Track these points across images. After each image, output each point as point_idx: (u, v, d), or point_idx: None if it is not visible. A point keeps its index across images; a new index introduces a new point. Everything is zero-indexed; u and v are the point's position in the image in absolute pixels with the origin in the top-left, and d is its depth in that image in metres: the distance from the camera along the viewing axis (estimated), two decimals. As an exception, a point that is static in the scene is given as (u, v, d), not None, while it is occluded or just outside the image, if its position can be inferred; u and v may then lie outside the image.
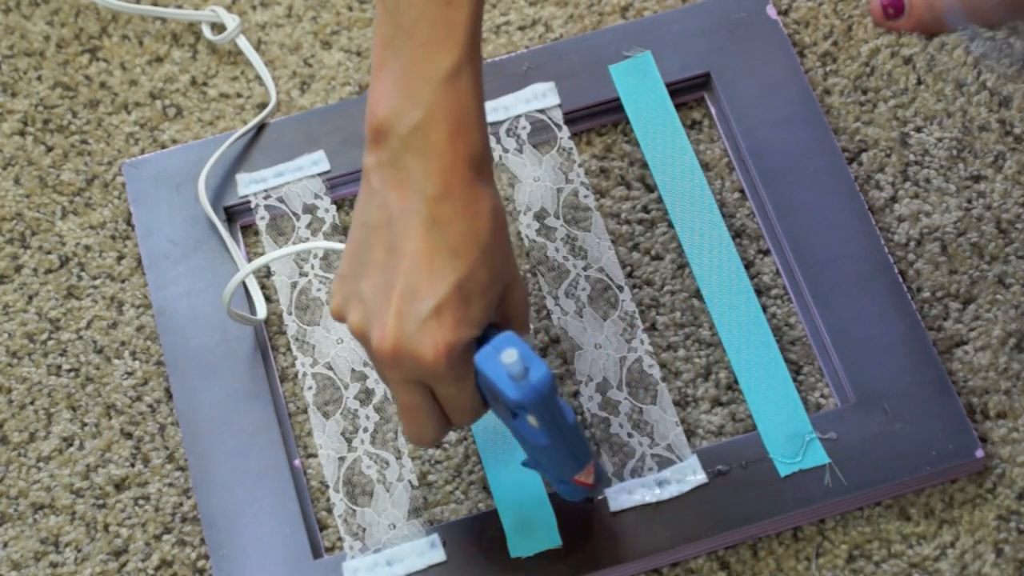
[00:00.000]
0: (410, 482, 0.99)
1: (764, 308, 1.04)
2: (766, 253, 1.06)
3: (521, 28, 1.16)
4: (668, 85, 1.11)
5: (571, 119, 1.11)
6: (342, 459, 1.00)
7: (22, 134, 1.14)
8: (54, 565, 0.99)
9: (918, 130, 1.09)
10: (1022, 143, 1.07)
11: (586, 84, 1.11)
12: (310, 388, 1.02)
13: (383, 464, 1.00)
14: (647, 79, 1.11)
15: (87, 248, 1.09)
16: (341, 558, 0.97)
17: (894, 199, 1.07)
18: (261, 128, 1.12)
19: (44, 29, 1.18)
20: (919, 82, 1.10)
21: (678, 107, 1.11)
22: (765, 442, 0.98)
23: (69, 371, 1.05)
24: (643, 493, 0.97)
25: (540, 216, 1.07)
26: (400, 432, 1.01)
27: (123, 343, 1.06)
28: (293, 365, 1.04)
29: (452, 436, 1.01)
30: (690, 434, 1.00)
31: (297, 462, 1.01)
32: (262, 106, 1.14)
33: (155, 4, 1.18)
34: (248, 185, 1.09)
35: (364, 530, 0.98)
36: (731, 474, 0.98)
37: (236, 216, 1.10)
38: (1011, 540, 0.96)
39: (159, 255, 1.07)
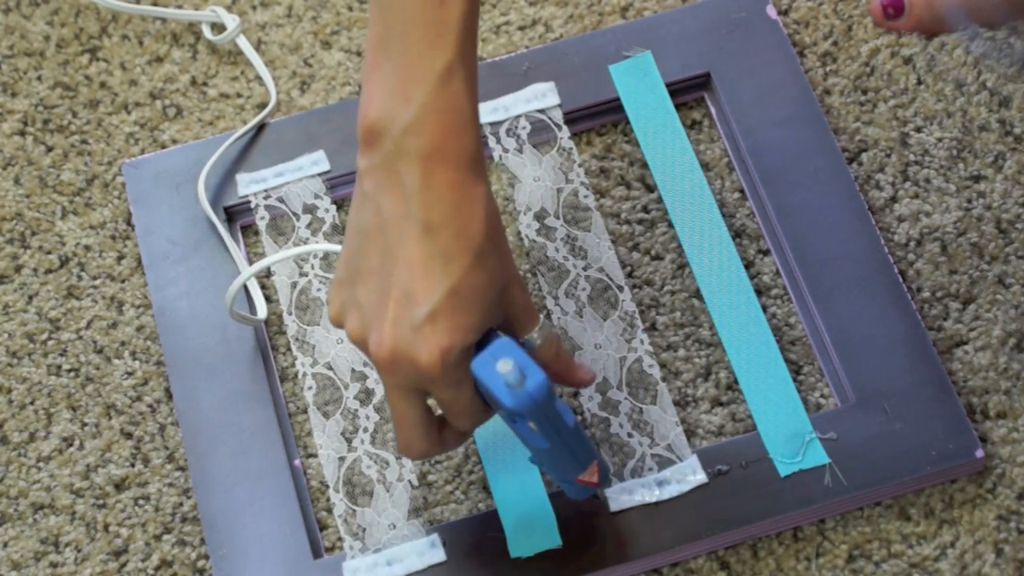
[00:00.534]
0: (410, 482, 0.99)
1: (764, 308, 1.04)
2: (766, 253, 1.06)
3: (521, 28, 1.16)
4: (668, 85, 1.11)
5: (571, 119, 1.11)
6: (342, 459, 1.00)
7: (22, 134, 1.14)
8: (54, 565, 0.99)
9: (918, 130, 1.09)
10: (1022, 143, 1.07)
11: (586, 84, 1.11)
12: (310, 388, 1.02)
13: (383, 464, 1.00)
14: (647, 79, 1.11)
15: (87, 248, 1.09)
16: (341, 558, 0.97)
17: (894, 199, 1.07)
18: (261, 128, 1.12)
19: (44, 29, 1.18)
20: (919, 82, 1.10)
21: (678, 107, 1.11)
22: (765, 442, 0.98)
23: (69, 371, 1.05)
24: (643, 493, 0.97)
25: (540, 216, 1.07)
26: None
27: (123, 343, 1.06)
28: (293, 365, 1.04)
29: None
30: (690, 434, 1.00)
31: (297, 462, 1.01)
32: (262, 106, 1.14)
33: (155, 4, 1.18)
34: (248, 185, 1.09)
35: (364, 530, 0.98)
36: (731, 474, 0.98)
37: (236, 216, 1.10)
38: (1011, 540, 0.96)
39: (159, 255, 1.07)
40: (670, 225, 1.07)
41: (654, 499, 0.97)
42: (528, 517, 0.97)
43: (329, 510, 0.99)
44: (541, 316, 1.04)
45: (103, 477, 1.01)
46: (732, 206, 1.08)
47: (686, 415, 1.01)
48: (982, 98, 1.09)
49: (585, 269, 1.05)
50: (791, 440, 0.98)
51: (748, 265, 1.05)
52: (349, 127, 1.11)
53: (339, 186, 1.10)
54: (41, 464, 1.02)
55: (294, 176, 1.09)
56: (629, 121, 1.10)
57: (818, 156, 1.07)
